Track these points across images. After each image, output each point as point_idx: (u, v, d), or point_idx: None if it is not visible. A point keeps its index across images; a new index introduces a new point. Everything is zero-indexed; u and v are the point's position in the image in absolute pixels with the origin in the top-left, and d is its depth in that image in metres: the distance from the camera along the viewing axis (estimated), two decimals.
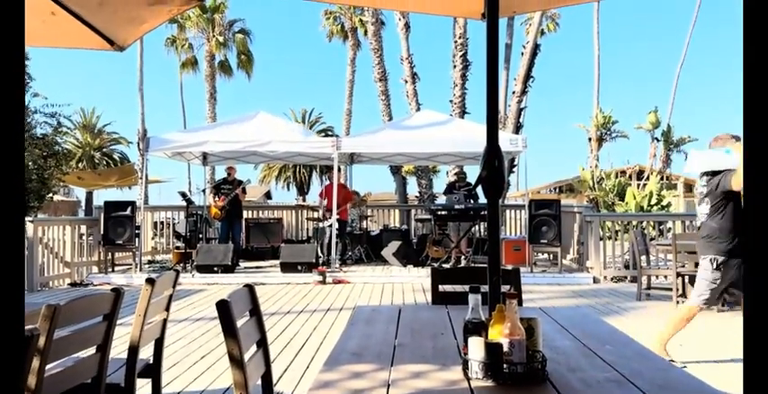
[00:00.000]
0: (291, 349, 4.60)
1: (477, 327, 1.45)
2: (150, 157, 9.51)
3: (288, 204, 14.31)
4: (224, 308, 1.83)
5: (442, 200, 10.59)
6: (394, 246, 9.48)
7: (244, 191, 9.82)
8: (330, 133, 38.15)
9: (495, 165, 1.59)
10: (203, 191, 10.68)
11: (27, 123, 13.39)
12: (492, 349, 1.37)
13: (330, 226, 9.37)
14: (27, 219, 7.91)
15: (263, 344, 2.17)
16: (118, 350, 2.83)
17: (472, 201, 9.30)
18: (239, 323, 1.91)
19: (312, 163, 13.10)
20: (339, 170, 9.58)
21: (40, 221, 8.30)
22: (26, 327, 1.46)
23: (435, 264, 9.17)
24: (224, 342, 4.47)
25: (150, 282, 2.49)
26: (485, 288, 1.61)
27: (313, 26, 67.43)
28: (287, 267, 8.77)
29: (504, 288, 2.09)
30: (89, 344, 2.08)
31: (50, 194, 12.78)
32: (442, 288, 2.74)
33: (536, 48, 17.91)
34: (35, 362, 1.73)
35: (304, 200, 29.92)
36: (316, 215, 10.42)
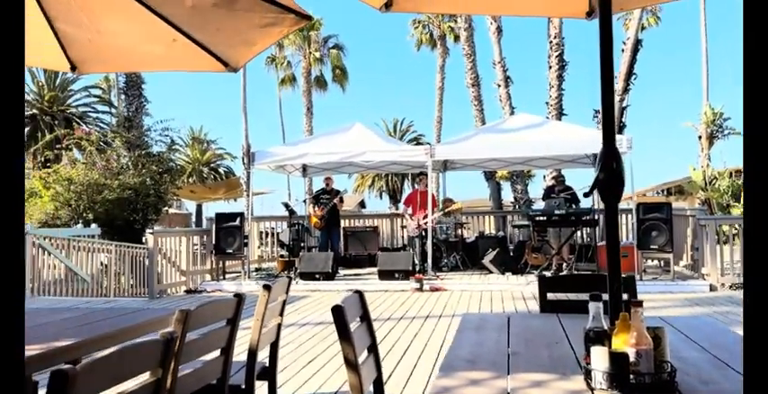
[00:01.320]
0: (394, 355, 4.65)
1: (599, 337, 1.40)
2: (253, 171, 10.01)
3: (383, 213, 14.52)
4: (339, 312, 1.90)
5: (539, 205, 10.28)
6: (491, 253, 9.34)
7: (341, 200, 10.09)
8: (421, 141, 38.32)
9: (614, 168, 1.54)
10: (304, 201, 11.09)
11: (144, 142, 14.56)
12: (617, 359, 1.32)
13: (420, 234, 9.40)
14: (148, 231, 8.57)
15: (373, 349, 2.22)
16: (235, 352, 3.00)
17: (573, 206, 8.97)
18: (351, 328, 1.97)
19: (404, 171, 13.22)
20: (426, 176, 9.59)
21: (159, 233, 8.97)
22: (166, 330, 1.59)
23: (535, 272, 8.92)
24: (329, 347, 4.62)
25: (267, 288, 2.63)
26: (604, 296, 1.55)
27: (401, 36, 68.29)
28: (384, 275, 8.88)
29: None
30: (214, 347, 2.22)
31: (166, 207, 13.79)
32: (549, 296, 2.67)
33: (637, 43, 17.04)
34: (171, 364, 1.88)
35: (397, 208, 30.17)
36: (406, 223, 10.50)
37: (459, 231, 10.71)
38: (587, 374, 1.38)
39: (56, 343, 1.99)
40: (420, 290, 8.30)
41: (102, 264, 9.96)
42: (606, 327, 1.43)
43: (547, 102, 15.99)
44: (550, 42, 15.80)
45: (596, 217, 8.76)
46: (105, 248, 9.97)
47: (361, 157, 9.45)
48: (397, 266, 8.89)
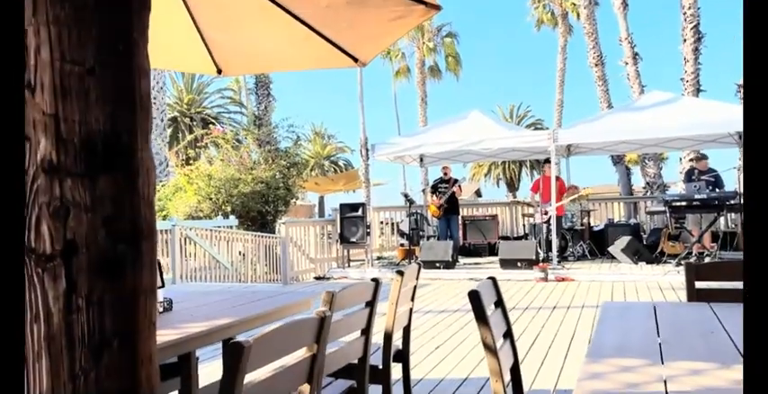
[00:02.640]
0: (522, 345, 4.60)
1: None
2: (370, 162, 10.27)
3: (502, 201, 14.25)
4: (475, 297, 1.92)
5: (675, 190, 9.56)
6: (623, 241, 8.85)
7: (460, 188, 10.07)
8: (539, 126, 37.03)
9: None
10: (422, 191, 11.20)
11: (273, 138, 15.46)
12: None
13: (547, 222, 9.12)
14: (280, 221, 9.11)
15: (509, 335, 2.23)
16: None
17: (717, 190, 8.24)
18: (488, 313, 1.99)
19: (524, 158, 12.87)
20: (549, 162, 9.27)
21: (290, 223, 9.53)
22: (320, 309, 1.71)
23: (672, 261, 8.34)
24: (454, 334, 4.65)
25: (400, 273, 2.72)
26: None
27: (517, 18, 66.03)
28: (506, 264, 8.76)
29: None
30: (356, 328, 2.35)
31: (294, 199, 14.58)
32: (699, 285, 2.51)
33: None
34: (326, 340, 2.02)
35: (515, 196, 29.42)
36: (530, 211, 10.22)
37: (586, 219, 10.27)
38: None
39: (216, 321, 2.20)
40: (545, 279, 8.09)
41: (240, 252, 10.76)
42: None
43: (682, 79, 14.76)
44: (684, 13, 14.54)
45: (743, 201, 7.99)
46: (242, 238, 10.75)
47: (478, 145, 9.35)
48: (519, 255, 8.72)
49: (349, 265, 9.94)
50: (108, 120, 1.05)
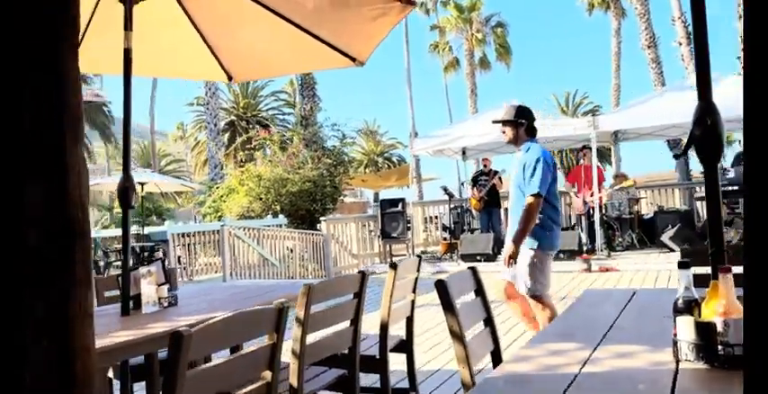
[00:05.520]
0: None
1: (688, 306, 1.31)
2: (422, 157, 10.33)
3: None
4: (442, 287, 1.97)
5: (732, 174, 9.11)
6: (671, 229, 8.53)
7: (501, 180, 9.96)
8: (597, 113, 35.87)
9: (708, 124, 1.40)
10: (462, 184, 11.16)
11: (319, 138, 15.76)
12: (703, 329, 1.22)
13: (586, 213, 8.90)
14: (322, 219, 9.32)
15: (489, 322, 2.25)
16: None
17: None
18: (461, 301, 2.04)
19: (571, 146, 12.53)
20: (590, 150, 9.01)
21: (331, 220, 9.73)
22: (280, 300, 1.81)
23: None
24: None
25: (393, 266, 2.78)
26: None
27: (568, 3, 64.09)
28: None
29: None
30: (343, 318, 2.44)
31: (341, 197, 14.81)
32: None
33: None
34: (297, 331, 2.12)
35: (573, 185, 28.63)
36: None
37: (635, 207, 9.94)
38: (675, 346, 1.30)
39: (206, 315, 2.34)
40: (588, 270, 7.91)
41: (289, 249, 11.07)
42: (698, 297, 1.32)
43: (739, 57, 13.99)
44: None
45: None
46: (290, 236, 11.05)
47: None
48: (562, 246, 8.54)
49: (391, 260, 10.04)
50: (34, 128, 1.17)
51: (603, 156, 24.64)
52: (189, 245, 11.08)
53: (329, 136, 15.89)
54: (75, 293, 1.25)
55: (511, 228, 3.66)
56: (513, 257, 3.50)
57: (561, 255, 8.46)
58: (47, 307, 1.19)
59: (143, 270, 2.59)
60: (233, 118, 31.45)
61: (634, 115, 8.73)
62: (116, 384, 2.83)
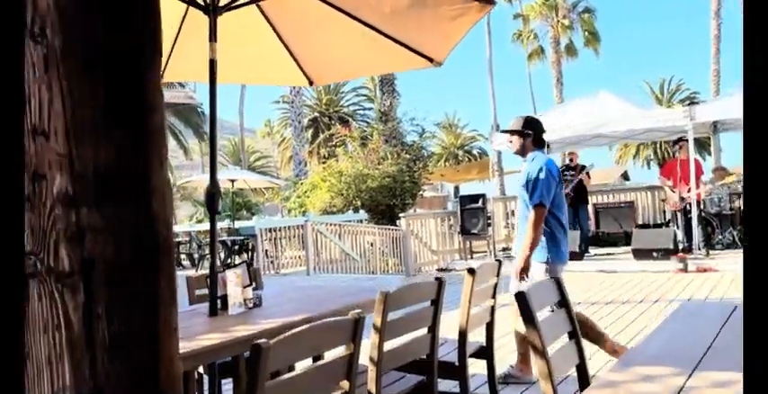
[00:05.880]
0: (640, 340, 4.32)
1: None
2: (503, 149, 10.12)
3: (640, 185, 13.24)
4: (522, 299, 1.90)
5: None
6: None
7: (588, 176, 9.55)
8: (694, 101, 33.63)
9: None
10: None
11: (398, 132, 15.81)
12: None
13: (682, 210, 8.34)
14: (401, 215, 9.35)
15: (574, 335, 2.16)
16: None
17: None
18: (544, 315, 1.96)
19: (666, 138, 11.81)
20: (687, 142, 8.41)
21: (409, 216, 9.75)
22: (356, 311, 1.81)
23: None
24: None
25: (471, 271, 2.73)
26: None
27: None
28: (640, 254, 8.17)
29: None
30: (420, 325, 2.42)
31: (420, 192, 14.80)
32: None
33: None
34: (375, 338, 2.13)
35: (668, 179, 26.97)
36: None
37: (737, 202, 9.21)
38: None
39: (291, 318, 2.39)
40: (684, 270, 7.43)
41: (369, 244, 11.21)
42: None
43: None
44: None
45: None
46: (370, 231, 11.18)
47: (605, 128, 8.79)
48: (655, 245, 8.09)
49: (471, 257, 9.91)
50: (121, 154, 1.23)
51: (702, 146, 23.06)
52: (275, 239, 11.49)
53: (408, 131, 15.92)
54: (160, 308, 1.30)
55: (517, 241, 3.65)
56: (525, 271, 3.42)
57: (655, 255, 8.02)
58: (133, 322, 1.25)
59: (230, 272, 2.69)
60: (316, 114, 32.20)
61: (736, 104, 8.08)
62: (205, 379, 2.98)
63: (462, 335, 2.70)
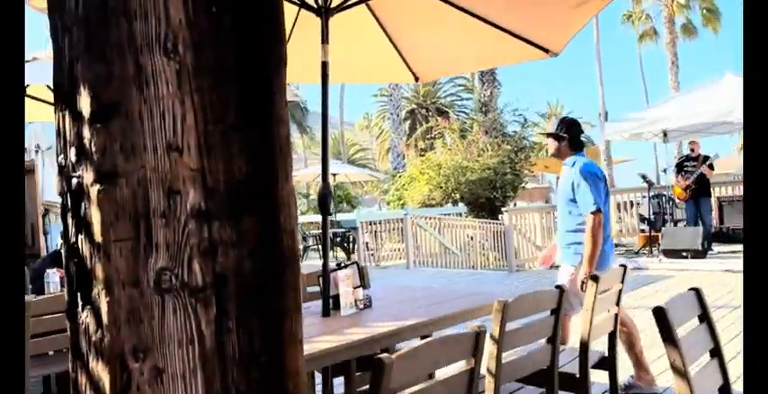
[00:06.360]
0: None
1: None
2: (614, 139, 9.57)
3: None
4: (661, 315, 1.73)
5: None
6: None
7: (711, 167, 8.77)
8: None
9: None
10: (664, 170, 10.06)
11: (499, 123, 15.41)
12: None
13: None
14: (503, 209, 9.09)
15: (717, 353, 1.95)
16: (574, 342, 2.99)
17: None
18: (684, 330, 1.78)
19: None
20: None
21: (512, 211, 9.48)
22: (476, 324, 1.73)
23: None
24: None
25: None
26: None
27: None
28: None
29: None
30: (539, 336, 2.29)
31: (522, 184, 14.36)
32: None
33: None
34: (492, 349, 2.03)
35: None
36: None
37: None
38: None
39: (404, 322, 2.35)
40: None
41: (469, 237, 11.04)
42: None
43: None
44: None
45: None
46: (470, 224, 11.01)
47: (729, 116, 8.00)
48: None
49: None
50: (249, 167, 1.23)
51: None
52: (375, 232, 11.63)
53: (509, 121, 15.48)
54: (287, 322, 1.29)
55: (560, 248, 3.51)
56: (584, 284, 3.18)
57: None
58: (261, 336, 1.24)
59: (341, 273, 2.70)
60: (413, 106, 32.20)
61: None
62: (317, 376, 3.02)
63: (584, 345, 2.53)
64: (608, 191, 3.40)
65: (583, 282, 3.26)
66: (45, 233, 6.48)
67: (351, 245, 12.61)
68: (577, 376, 2.55)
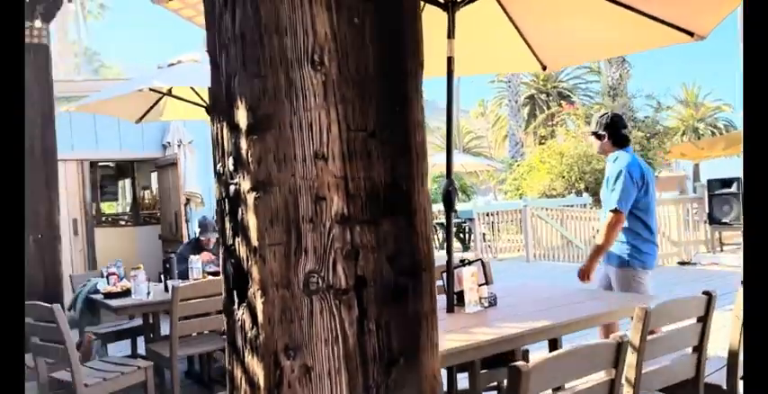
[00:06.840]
0: None
1: None
2: None
3: None
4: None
5: None
6: None
7: None
8: None
9: None
10: None
11: (629, 108, 14.44)
12: None
13: None
14: None
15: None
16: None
17: None
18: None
19: None
20: None
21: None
22: (618, 334, 1.64)
23: None
24: None
25: None
26: None
27: None
28: None
29: None
30: (684, 345, 2.13)
31: (657, 174, 13.40)
32: None
33: None
34: (632, 358, 1.92)
35: None
36: None
37: None
38: None
39: (533, 323, 2.29)
40: None
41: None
42: None
43: None
44: None
45: None
46: (596, 216, 10.47)
47: None
48: None
49: (721, 250, 8.66)
50: (388, 173, 1.25)
51: None
52: (492, 223, 11.43)
53: (641, 106, 14.47)
54: (424, 325, 1.31)
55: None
56: (587, 273, 3.33)
57: None
58: (399, 338, 1.26)
59: (465, 270, 2.69)
60: (532, 92, 31.08)
61: None
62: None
63: (732, 354, 2.32)
64: (650, 191, 3.30)
65: (582, 272, 3.33)
66: (186, 221, 7.09)
67: (467, 235, 12.51)
68: (724, 388, 2.35)
